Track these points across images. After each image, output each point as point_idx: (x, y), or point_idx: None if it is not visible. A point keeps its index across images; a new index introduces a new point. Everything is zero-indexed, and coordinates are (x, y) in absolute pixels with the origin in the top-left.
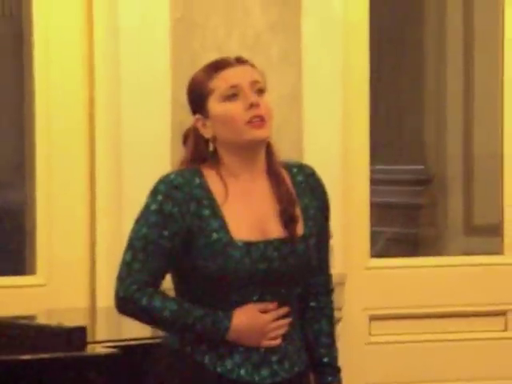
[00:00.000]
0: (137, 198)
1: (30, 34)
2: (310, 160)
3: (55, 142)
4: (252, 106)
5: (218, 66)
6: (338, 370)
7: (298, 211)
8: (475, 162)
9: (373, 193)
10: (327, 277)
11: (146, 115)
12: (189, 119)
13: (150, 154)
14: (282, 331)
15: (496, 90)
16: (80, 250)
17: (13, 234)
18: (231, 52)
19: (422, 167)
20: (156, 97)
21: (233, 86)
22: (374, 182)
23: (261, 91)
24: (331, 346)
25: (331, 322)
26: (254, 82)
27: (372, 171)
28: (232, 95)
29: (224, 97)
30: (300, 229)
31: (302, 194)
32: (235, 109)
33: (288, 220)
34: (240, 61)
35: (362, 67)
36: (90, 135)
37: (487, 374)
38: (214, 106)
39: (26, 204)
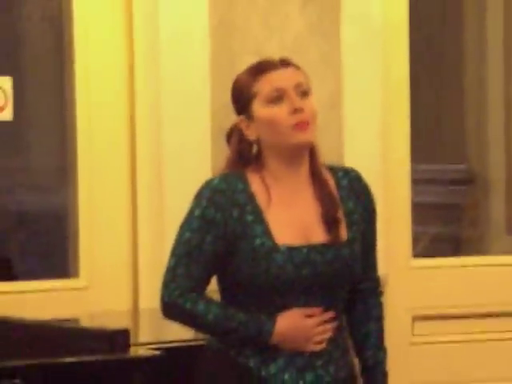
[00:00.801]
0: (178, 202)
1: (71, 37)
2: (350, 162)
3: (97, 146)
4: (297, 111)
5: (262, 69)
6: (383, 374)
7: (340, 214)
8: None
9: (414, 193)
10: (375, 279)
11: (187, 119)
12: (229, 123)
13: (190, 157)
14: (327, 336)
15: None
16: (122, 253)
17: (56, 238)
18: (270, 55)
19: (463, 166)
20: (196, 101)
21: (277, 90)
22: (415, 181)
23: (305, 94)
24: (378, 349)
25: (379, 324)
26: (298, 85)
27: (413, 171)
28: (276, 98)
29: (268, 100)
30: (344, 233)
31: (347, 198)
32: (280, 113)
33: (331, 223)
34: (284, 63)
35: (402, 69)
36: (131, 139)
37: None
38: (258, 109)
39: (69, 207)
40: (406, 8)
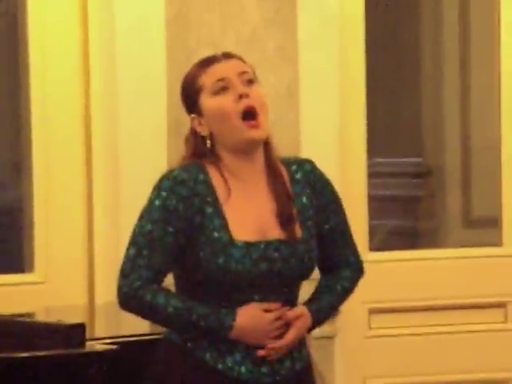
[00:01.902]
0: (134, 195)
1: (25, 32)
2: (307, 155)
3: (52, 140)
4: (242, 96)
5: (204, 64)
6: (315, 312)
7: (294, 211)
8: (473, 154)
9: (371, 186)
10: (355, 263)
11: (143, 113)
12: (185, 116)
13: (146, 151)
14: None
15: (493, 82)
16: (78, 248)
17: (11, 232)
18: (227, 48)
19: (420, 160)
20: (152, 94)
21: (220, 80)
22: (371, 175)
23: (250, 82)
24: (329, 295)
25: (343, 293)
26: (242, 73)
27: (370, 164)
28: (221, 89)
29: (214, 91)
30: (298, 229)
31: (301, 193)
32: (226, 101)
33: (285, 220)
34: (226, 55)
35: (359, 61)
36: (87, 133)
37: (487, 365)
38: (206, 101)
39: (24, 202)
40: (362, 0)
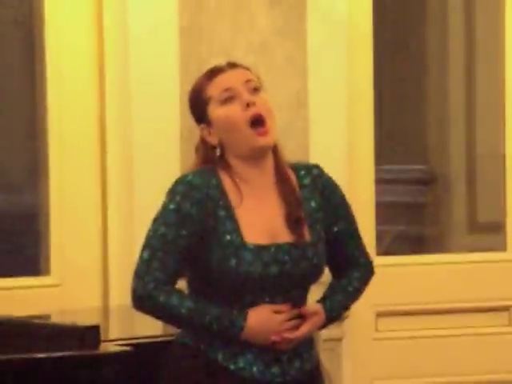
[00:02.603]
0: (148, 200)
1: (42, 40)
2: (315, 161)
3: (67, 146)
4: (249, 105)
5: (210, 75)
6: (328, 310)
7: (303, 215)
8: (478, 160)
9: (378, 192)
10: (365, 264)
11: (156, 120)
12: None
13: (160, 158)
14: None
15: (498, 90)
16: (93, 251)
17: (27, 236)
18: (238, 57)
19: (425, 167)
20: (165, 102)
21: (227, 90)
22: (378, 181)
23: (256, 90)
24: (341, 295)
25: (354, 292)
26: (247, 82)
27: (377, 171)
28: (228, 98)
29: (221, 101)
30: (307, 232)
31: (309, 197)
32: (233, 110)
33: (294, 223)
34: (231, 65)
35: (367, 70)
36: (102, 139)
37: (491, 368)
38: (214, 111)
39: (40, 206)
40: (371, 9)
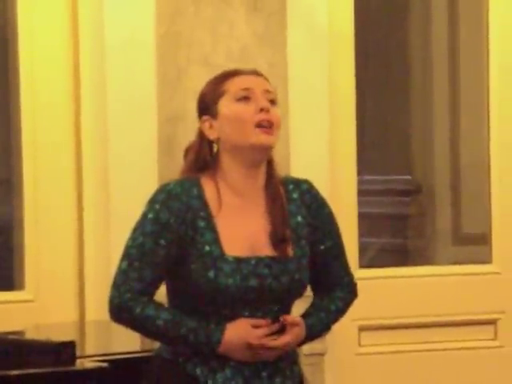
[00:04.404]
0: (124, 211)
1: (15, 52)
2: (297, 172)
3: (42, 157)
4: (262, 110)
5: (233, 73)
6: (308, 327)
7: (288, 233)
8: (462, 171)
9: (361, 203)
10: (348, 284)
11: (133, 129)
12: (175, 132)
13: (136, 167)
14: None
15: (482, 100)
16: (68, 265)
17: (1, 250)
18: (217, 65)
19: (409, 177)
20: (142, 111)
21: (245, 89)
22: (361, 192)
23: (272, 102)
24: (323, 313)
25: (335, 313)
26: (267, 91)
27: (360, 182)
28: (244, 98)
29: (236, 98)
30: (291, 248)
31: (296, 211)
32: (246, 110)
33: (278, 242)
34: (255, 72)
35: (348, 79)
36: (77, 149)
37: (477, 382)
38: (226, 105)
39: (14, 219)
40: (352, 17)
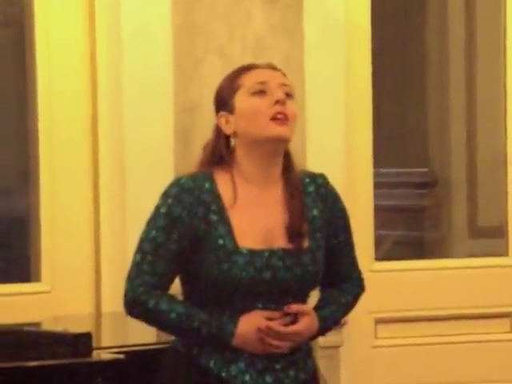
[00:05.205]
0: (140, 203)
1: (32, 42)
2: (313, 165)
3: (59, 149)
4: (278, 102)
5: (249, 67)
6: (321, 319)
7: (305, 227)
8: (479, 164)
9: (377, 196)
10: (356, 279)
11: (149, 121)
12: (191, 123)
13: (153, 159)
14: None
15: (499, 93)
16: (84, 257)
17: (18, 241)
18: (233, 57)
19: (426, 170)
20: (159, 102)
21: (261, 82)
22: (378, 185)
23: (288, 95)
24: (333, 306)
25: (345, 306)
26: (283, 85)
27: (376, 174)
28: (260, 91)
29: (252, 92)
30: (306, 241)
31: (312, 205)
32: (261, 104)
33: (294, 234)
34: (271, 66)
35: (365, 70)
36: (94, 142)
37: (493, 375)
38: (242, 99)
39: (31, 211)
40: (368, 8)
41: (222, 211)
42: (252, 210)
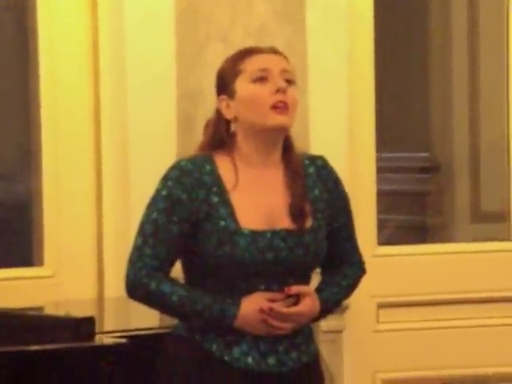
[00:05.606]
0: (143, 188)
1: (35, 27)
2: (315, 150)
3: (61, 134)
4: (279, 91)
5: (251, 51)
6: (322, 301)
7: (307, 207)
8: (481, 148)
9: (379, 181)
10: (357, 262)
11: (152, 106)
12: (194, 109)
13: (155, 144)
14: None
15: (502, 78)
16: (87, 241)
17: (20, 226)
18: (236, 43)
19: (428, 155)
20: (161, 89)
21: (263, 69)
22: (380, 169)
23: (290, 82)
24: (335, 289)
25: (345, 288)
26: (285, 71)
27: (378, 159)
28: (261, 78)
29: (253, 78)
30: (308, 221)
31: (313, 185)
32: (262, 91)
33: (296, 214)
34: (274, 50)
35: (367, 56)
36: (96, 126)
37: (495, 360)
38: (242, 85)
39: (33, 195)
40: None
41: (223, 193)
42: (253, 191)
